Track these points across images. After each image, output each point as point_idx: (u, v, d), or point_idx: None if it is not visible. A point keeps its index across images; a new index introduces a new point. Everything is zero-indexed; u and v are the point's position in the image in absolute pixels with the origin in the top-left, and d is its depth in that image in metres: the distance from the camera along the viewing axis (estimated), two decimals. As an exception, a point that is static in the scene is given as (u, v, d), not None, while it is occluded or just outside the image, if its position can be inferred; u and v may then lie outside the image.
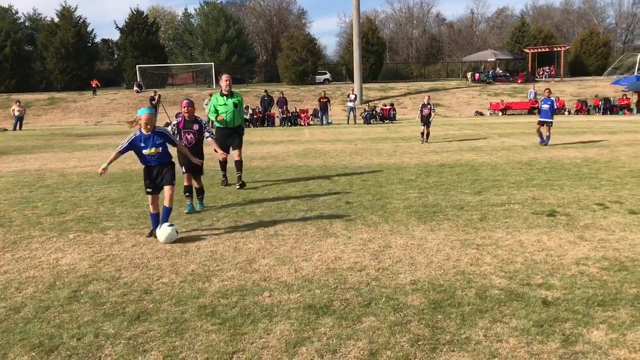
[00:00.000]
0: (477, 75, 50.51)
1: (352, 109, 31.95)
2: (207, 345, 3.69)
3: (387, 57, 73.11)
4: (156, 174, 6.65)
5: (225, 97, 9.92)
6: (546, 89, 17.93)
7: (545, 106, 16.60)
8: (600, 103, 35.71)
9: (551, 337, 3.72)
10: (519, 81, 47.87)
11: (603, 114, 34.83)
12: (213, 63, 51.79)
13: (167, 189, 6.61)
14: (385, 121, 32.64)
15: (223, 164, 10.14)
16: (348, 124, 31.37)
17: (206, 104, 31.33)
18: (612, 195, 8.59)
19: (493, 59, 52.64)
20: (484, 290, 4.60)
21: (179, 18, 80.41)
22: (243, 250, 5.97)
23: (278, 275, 5.10)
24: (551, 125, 16.52)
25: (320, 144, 19.12)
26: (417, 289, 4.67)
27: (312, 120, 33.36)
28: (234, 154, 10.01)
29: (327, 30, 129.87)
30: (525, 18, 68.55)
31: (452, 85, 48.46)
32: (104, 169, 6.51)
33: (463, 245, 5.98)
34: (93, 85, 48.01)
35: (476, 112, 38.37)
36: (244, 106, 10.11)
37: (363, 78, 42.97)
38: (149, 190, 6.71)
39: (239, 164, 10.05)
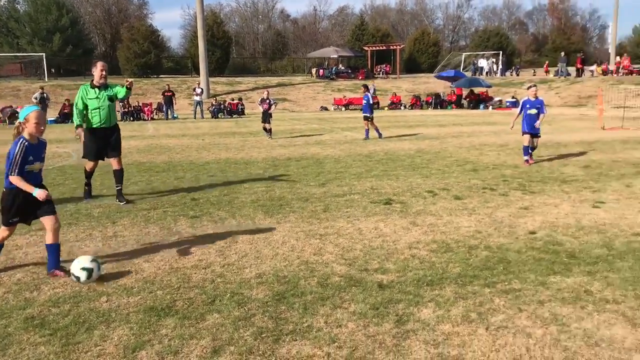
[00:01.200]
0: (321, 71, 52.06)
1: (199, 103, 31.37)
2: (35, 359, 3.40)
3: (234, 51, 72.67)
4: (33, 199, 4.87)
5: (97, 89, 7.94)
6: (363, 84, 19.02)
7: (364, 101, 17.62)
8: (431, 98, 38.70)
9: (386, 318, 3.96)
10: (360, 77, 50.18)
11: (434, 108, 37.78)
12: (44, 54, 47.70)
13: (51, 219, 4.93)
14: (234, 116, 32.47)
15: (90, 173, 8.31)
16: (195, 118, 30.73)
17: (35, 98, 28.85)
18: (441, 182, 9.35)
19: (335, 56, 54.59)
20: (325, 279, 4.77)
21: (2, 3, 72.81)
22: (78, 254, 5.56)
23: (116, 279, 4.84)
24: (371, 120, 17.38)
25: (165, 139, 18.50)
26: (262, 282, 4.71)
27: (156, 114, 32.17)
28: (112, 163, 8.13)
29: (170, 22, 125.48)
30: (364, 17, 72.17)
31: (298, 81, 49.50)
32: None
33: (307, 236, 6.14)
34: None
35: (321, 107, 39.59)
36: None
37: (210, 72, 42.30)
38: (15, 220, 4.94)
39: (119, 175, 8.17)
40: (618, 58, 46.21)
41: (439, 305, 4.19)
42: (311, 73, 54.39)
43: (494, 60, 51.73)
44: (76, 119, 8.02)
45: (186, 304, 4.27)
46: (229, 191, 8.83)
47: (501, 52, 53.30)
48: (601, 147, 14.03)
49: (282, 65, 69.95)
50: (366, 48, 55.30)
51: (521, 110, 11.61)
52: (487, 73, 49.97)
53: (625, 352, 3.45)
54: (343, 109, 38.57)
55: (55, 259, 4.94)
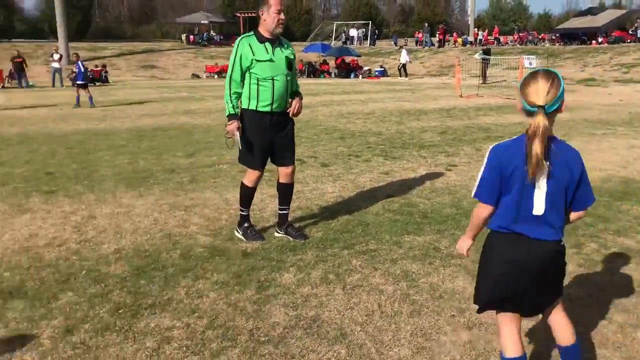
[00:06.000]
0: (192, 37, 50.47)
1: (57, 70, 29.13)
2: None
3: (97, 14, 68.10)
4: None
5: (269, 44, 4.74)
6: (74, 53, 20.57)
7: (77, 70, 18.32)
8: (304, 67, 39.03)
9: (248, 285, 4.03)
10: (232, 44, 49.33)
11: (307, 77, 38.20)
12: None
13: None
14: (97, 83, 30.57)
15: (248, 193, 5.05)
16: (53, 86, 28.57)
17: None
18: (310, 150, 9.54)
19: (206, 22, 53.12)
20: (188, 250, 4.72)
21: None
22: None
23: (-44, 262, 4.46)
24: (86, 88, 18.06)
25: (18, 109, 17.04)
26: (120, 257, 4.57)
27: (8, 82, 29.46)
28: (281, 173, 5.03)
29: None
30: (235, -18, 70.44)
31: (167, 47, 47.62)
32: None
33: (172, 208, 6.02)
34: None
35: (193, 74, 38.51)
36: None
37: (69, 37, 39.34)
38: None
39: (287, 191, 5.10)
40: (476, 30, 49.37)
41: (300, 269, 4.32)
42: (181, 39, 52.52)
43: (364, 30, 53.10)
44: (229, 100, 4.75)
45: (37, 284, 4.03)
46: (88, 164, 8.38)
47: (370, 22, 54.77)
48: (457, 113, 15.03)
49: (150, 30, 66.80)
50: (238, 14, 54.26)
51: None
52: (357, 42, 51.26)
53: (465, 301, 3.80)
54: (215, 76, 37.77)
55: None
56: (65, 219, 5.62)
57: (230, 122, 4.73)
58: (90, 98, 17.58)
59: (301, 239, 4.98)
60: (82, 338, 3.29)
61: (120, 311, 3.61)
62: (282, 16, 4.69)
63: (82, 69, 18.31)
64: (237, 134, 4.71)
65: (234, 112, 4.73)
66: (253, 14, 53.39)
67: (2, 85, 28.66)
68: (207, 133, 11.64)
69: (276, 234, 5.12)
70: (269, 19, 4.68)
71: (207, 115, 14.94)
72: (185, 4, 74.80)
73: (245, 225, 5.08)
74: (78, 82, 18.08)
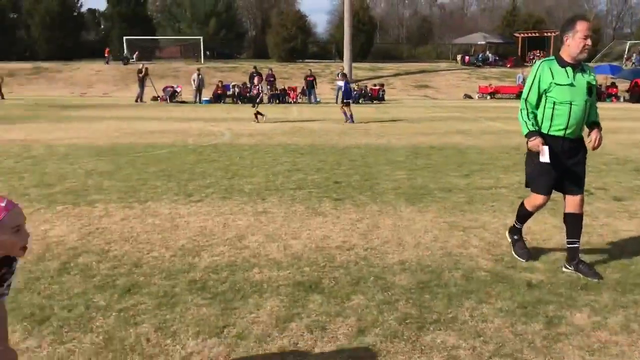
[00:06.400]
0: (467, 58, 50.51)
1: (341, 88, 31.84)
2: (198, 319, 3.73)
3: (378, 36, 72.70)
4: None
5: (571, 69, 4.50)
6: (343, 73, 23.41)
7: (343, 89, 20.28)
8: (587, 90, 35.95)
9: (535, 318, 3.81)
10: (508, 65, 47.93)
11: (590, 100, 35.07)
12: (202, 37, 51.17)
13: None
14: (374, 101, 32.60)
15: (526, 214, 5.01)
16: (337, 102, 31.29)
17: (194, 80, 30.95)
18: (598, 181, 8.70)
19: (483, 42, 52.62)
20: (470, 272, 4.68)
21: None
22: (232, 226, 6.00)
23: (267, 252, 5.14)
24: (348, 105, 19.31)
25: (308, 122, 19.09)
26: (405, 269, 4.74)
27: (300, 98, 33.24)
28: (569, 202, 4.75)
29: (318, 7, 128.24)
30: (516, 2, 68.40)
31: (442, 68, 48.43)
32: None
33: (450, 228, 6.05)
34: (106, 55, 47.97)
35: (465, 95, 38.45)
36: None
37: (352, 57, 42.76)
38: None
39: (576, 222, 4.73)
40: None
41: (594, 311, 3.94)
42: (456, 60, 52.92)
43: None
44: (526, 120, 4.61)
45: (332, 282, 4.42)
46: (370, 177, 8.93)
47: (673, 41, 47.98)
48: None
49: (425, 51, 68.76)
50: (517, 35, 52.56)
51: None
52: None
53: None
54: (488, 97, 37.13)
55: None
56: (352, 226, 6.07)
57: (533, 138, 4.57)
58: (345, 113, 19.13)
59: (595, 278, 4.54)
60: (373, 341, 3.49)
61: (407, 321, 3.74)
62: (588, 42, 4.49)
63: (344, 89, 20.11)
64: (545, 148, 4.51)
65: (534, 129, 4.60)
66: (534, 34, 51.32)
67: (294, 100, 32.47)
68: (482, 154, 11.47)
69: (565, 269, 4.76)
70: (574, 44, 4.48)
71: (480, 137, 14.75)
72: (462, 26, 75.25)
73: (515, 237, 5.18)
74: (344, 101, 19.89)
